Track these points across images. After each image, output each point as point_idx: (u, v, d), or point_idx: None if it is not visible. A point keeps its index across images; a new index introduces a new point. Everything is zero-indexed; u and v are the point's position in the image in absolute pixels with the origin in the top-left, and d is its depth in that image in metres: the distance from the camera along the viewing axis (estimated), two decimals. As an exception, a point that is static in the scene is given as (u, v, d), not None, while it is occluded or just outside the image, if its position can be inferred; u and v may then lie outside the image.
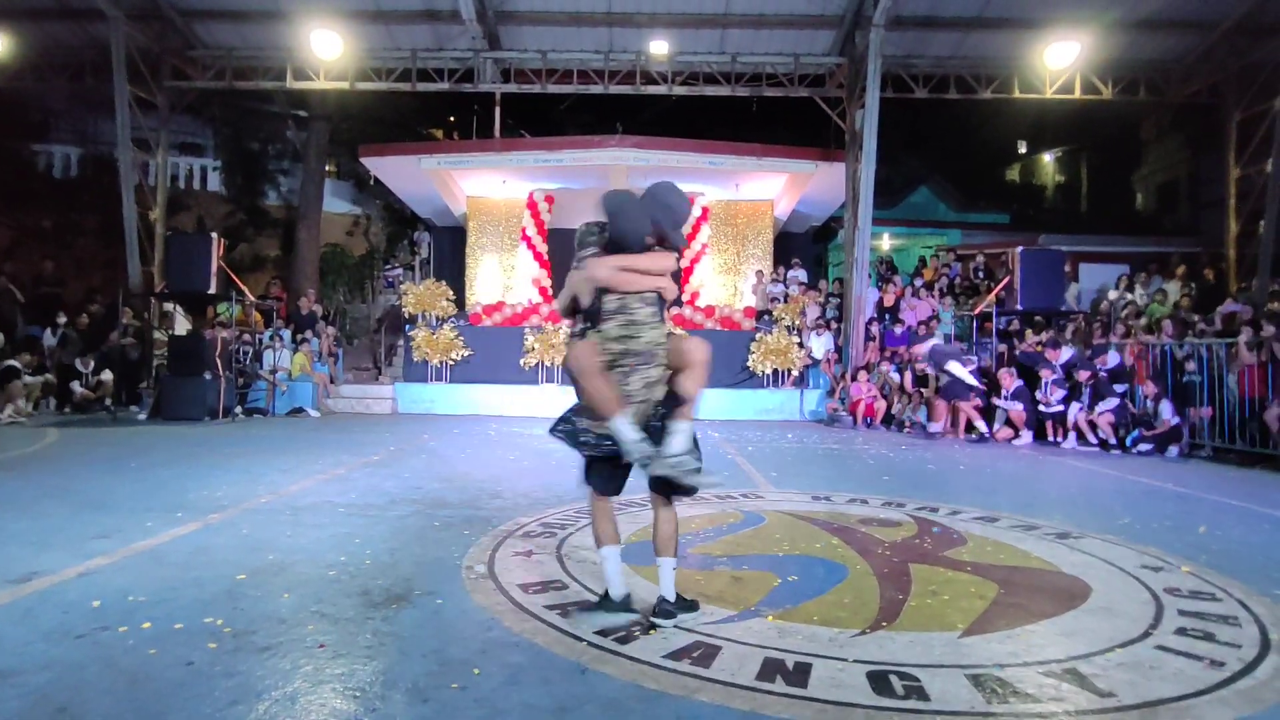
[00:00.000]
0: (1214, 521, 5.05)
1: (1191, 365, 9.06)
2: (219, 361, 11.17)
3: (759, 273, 16.18)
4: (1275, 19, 12.55)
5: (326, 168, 20.95)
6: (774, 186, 16.14)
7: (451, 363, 13.23)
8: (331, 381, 13.42)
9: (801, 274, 16.04)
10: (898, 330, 13.18)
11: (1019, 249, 11.55)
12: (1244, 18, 12.66)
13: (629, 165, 14.27)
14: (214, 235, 12.37)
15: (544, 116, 22.34)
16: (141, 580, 3.28)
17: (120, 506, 4.81)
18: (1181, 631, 2.94)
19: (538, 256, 16.25)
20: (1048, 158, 32.03)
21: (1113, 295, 13.37)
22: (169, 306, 13.22)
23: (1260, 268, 13.17)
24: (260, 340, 13.01)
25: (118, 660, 2.46)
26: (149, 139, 14.45)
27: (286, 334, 13.50)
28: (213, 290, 11.87)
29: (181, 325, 13.19)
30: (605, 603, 2.96)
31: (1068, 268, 13.59)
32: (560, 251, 17.10)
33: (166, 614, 2.87)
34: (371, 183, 19.39)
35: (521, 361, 13.15)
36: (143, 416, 11.03)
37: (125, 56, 13.09)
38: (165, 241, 13.80)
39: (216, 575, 3.37)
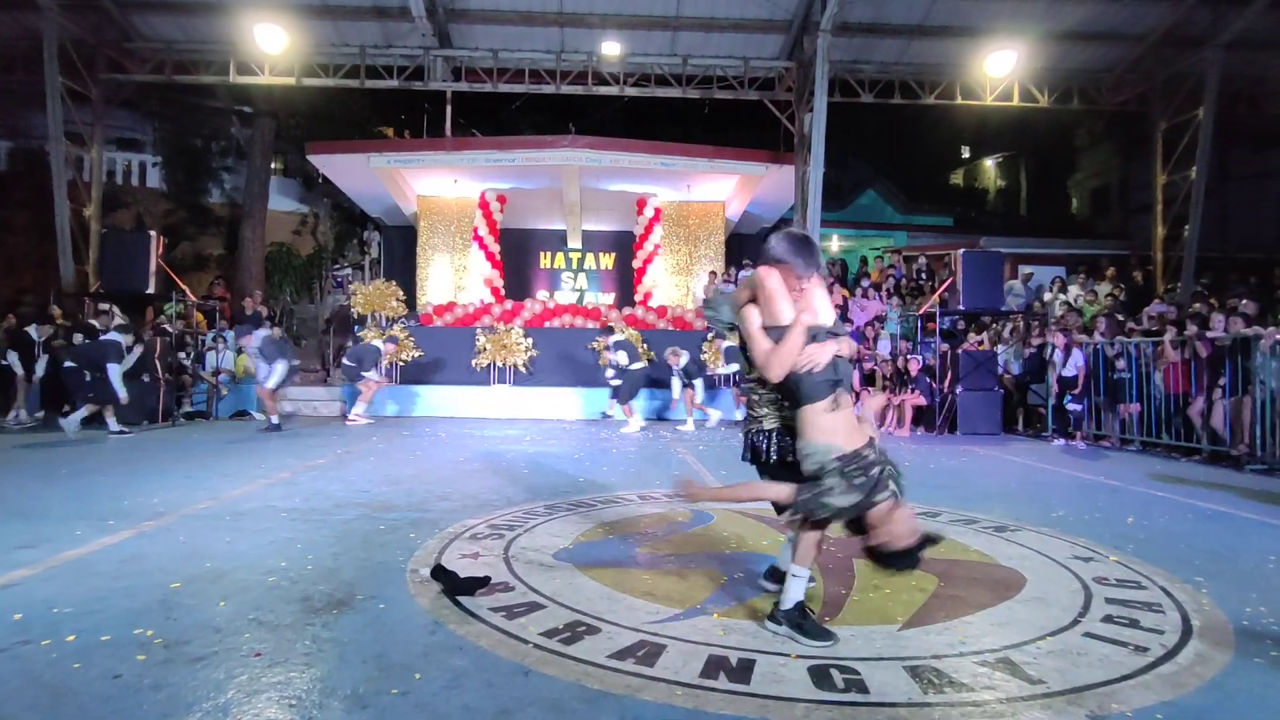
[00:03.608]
0: (1141, 512, 5.28)
1: (1121, 363, 9.45)
2: (158, 364, 10.80)
3: (711, 273, 16.30)
4: (1198, 33, 13.15)
5: (272, 165, 20.44)
6: (725, 188, 16.29)
7: (402, 364, 13.02)
8: (277, 384, 13.08)
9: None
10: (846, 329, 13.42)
11: (960, 251, 11.87)
12: (1168, 31, 13.24)
13: (581, 165, 14.26)
14: (153, 233, 11.99)
15: (496, 115, 22.16)
16: (68, 591, 3.16)
17: (48, 515, 4.62)
18: (1108, 619, 3.07)
19: (490, 256, 16.12)
20: (989, 162, 33.02)
21: (1047, 296, 13.85)
22: (105, 306, 12.72)
23: (1185, 270, 13.80)
24: (202, 341, 12.62)
25: (40, 675, 2.37)
26: (83, 133, 13.89)
27: (230, 335, 13.11)
28: (151, 290, 11.50)
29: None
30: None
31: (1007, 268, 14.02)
32: (512, 251, 17.04)
33: (94, 626, 2.77)
34: (320, 181, 18.99)
35: (473, 362, 13.01)
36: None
37: (58, 48, 12.57)
38: (100, 239, 13.29)
39: (149, 584, 3.27)
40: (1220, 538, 4.60)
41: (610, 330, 11.60)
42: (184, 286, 12.82)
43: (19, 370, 10.30)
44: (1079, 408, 9.72)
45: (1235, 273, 15.37)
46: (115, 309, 12.68)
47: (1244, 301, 9.20)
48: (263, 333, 10.52)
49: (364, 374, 11.43)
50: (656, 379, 12.21)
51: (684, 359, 11.51)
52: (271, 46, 12.99)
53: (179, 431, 9.90)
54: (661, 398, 12.43)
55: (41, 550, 3.80)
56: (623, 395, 11.04)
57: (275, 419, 10.04)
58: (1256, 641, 2.85)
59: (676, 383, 11.74)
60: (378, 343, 12.02)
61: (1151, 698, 2.36)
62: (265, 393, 10.22)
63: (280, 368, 10.13)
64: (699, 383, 11.56)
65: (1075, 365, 9.69)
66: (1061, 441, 9.76)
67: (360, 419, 11.19)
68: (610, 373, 11.15)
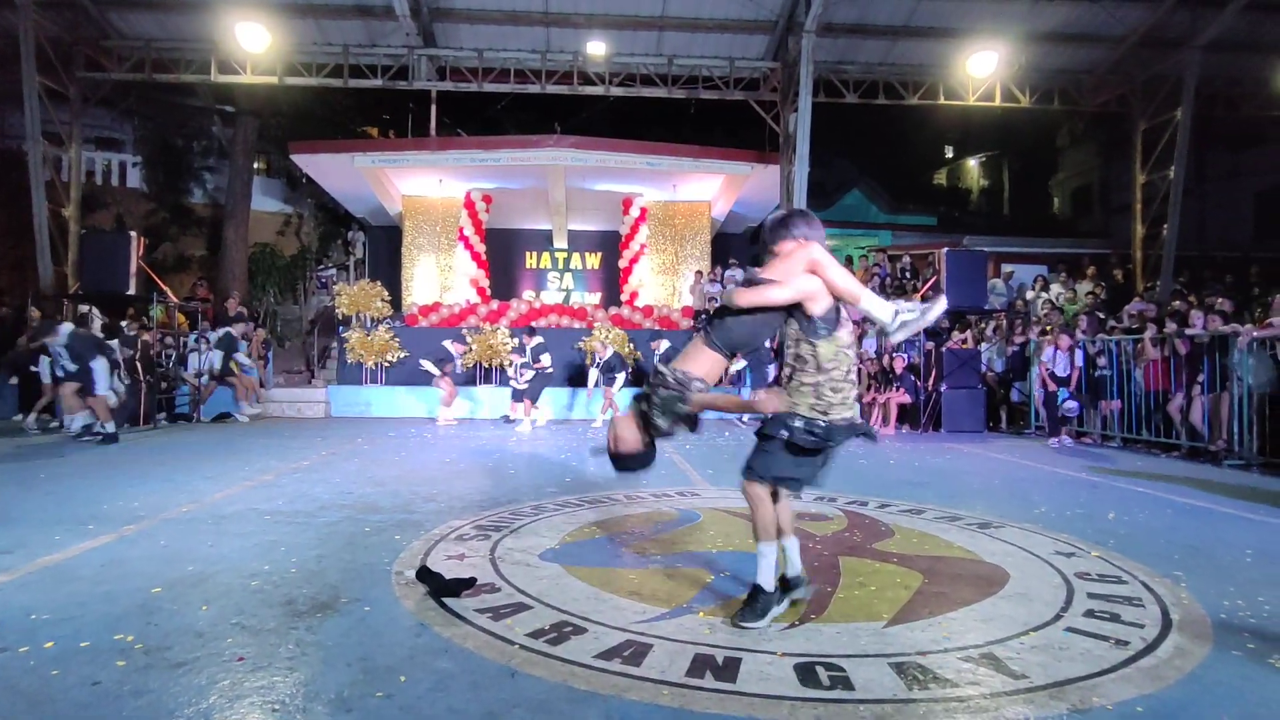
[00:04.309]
0: (1121, 508, 5.34)
1: (1103, 361, 9.55)
2: (140, 366, 10.67)
3: (697, 273, 16.35)
4: (1176, 35, 13.30)
5: (255, 165, 20.25)
6: (711, 188, 16.33)
7: (387, 365, 12.95)
8: (261, 385, 12.98)
9: (739, 274, 16.26)
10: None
11: (944, 250, 11.94)
12: (1147, 33, 13.37)
13: (567, 165, 14.24)
14: (133, 234, 11.86)
15: (481, 115, 22.09)
16: (46, 597, 3.11)
17: (26, 519, 4.56)
18: (1090, 614, 3.10)
19: (475, 256, 16.08)
20: (972, 163, 33.31)
21: (1030, 295, 13.99)
22: (85, 308, 12.57)
23: (1164, 269, 13.96)
24: (185, 343, 12.49)
25: (17, 683, 2.33)
26: (61, 132, 13.70)
27: (213, 336, 12.98)
28: (132, 291, 11.37)
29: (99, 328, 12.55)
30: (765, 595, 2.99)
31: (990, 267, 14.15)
32: (497, 251, 16.99)
33: (72, 632, 2.73)
34: (304, 181, 18.84)
35: (459, 363, 12.96)
36: (55, 424, 10.46)
37: (34, 45, 12.38)
38: (80, 240, 13.12)
39: (129, 589, 3.23)
40: (1199, 532, 4.66)
41: (532, 331, 11.71)
42: (165, 288, 12.68)
43: (46, 377, 10.14)
44: (1076, 406, 9.77)
45: (1212, 270, 15.60)
46: (95, 310, 12.56)
47: (1221, 299, 9.33)
48: (67, 328, 8.83)
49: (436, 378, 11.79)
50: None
51: (607, 354, 11.62)
52: (253, 45, 12.87)
53: (160, 434, 9.79)
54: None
55: (19, 556, 3.74)
56: (534, 394, 11.13)
57: (110, 426, 8.62)
58: (1234, 634, 2.89)
59: (593, 375, 11.88)
60: (447, 343, 12.29)
61: (1132, 691, 2.38)
62: (97, 402, 8.67)
63: (100, 367, 8.70)
64: (621, 378, 11.61)
65: (1071, 365, 9.76)
66: (1054, 440, 9.85)
67: (450, 421, 11.67)
68: (528, 374, 11.12)
